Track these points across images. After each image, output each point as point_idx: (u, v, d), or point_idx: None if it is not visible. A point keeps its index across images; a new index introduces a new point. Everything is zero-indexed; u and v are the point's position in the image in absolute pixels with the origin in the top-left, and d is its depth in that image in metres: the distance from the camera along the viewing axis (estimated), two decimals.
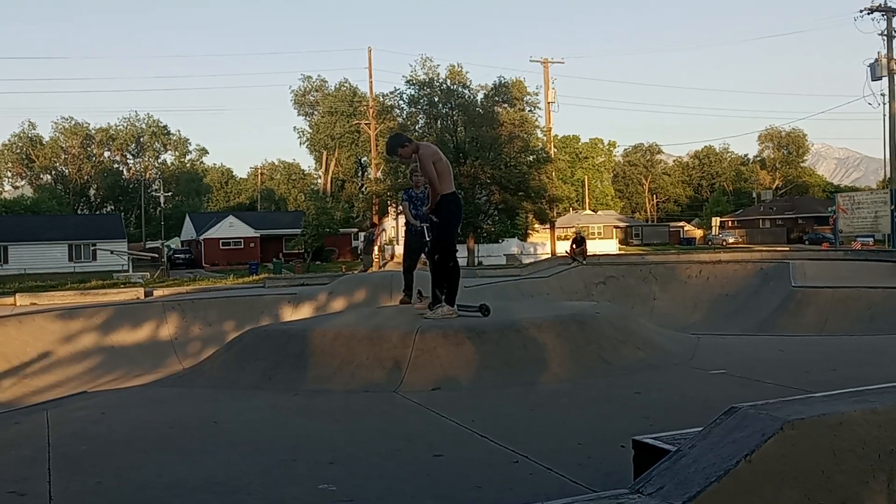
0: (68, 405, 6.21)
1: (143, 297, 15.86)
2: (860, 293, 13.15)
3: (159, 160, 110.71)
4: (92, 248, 62.81)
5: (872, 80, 35.91)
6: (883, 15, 35.44)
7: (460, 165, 46.10)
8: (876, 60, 35.69)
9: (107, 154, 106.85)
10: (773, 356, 7.42)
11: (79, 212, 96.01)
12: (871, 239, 41.41)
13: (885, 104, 35.96)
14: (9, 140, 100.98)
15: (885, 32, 35.43)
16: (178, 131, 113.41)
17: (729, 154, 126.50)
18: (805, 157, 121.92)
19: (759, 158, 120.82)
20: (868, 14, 35.58)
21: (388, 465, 4.04)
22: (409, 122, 47.39)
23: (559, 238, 54.42)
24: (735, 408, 2.60)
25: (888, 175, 37.77)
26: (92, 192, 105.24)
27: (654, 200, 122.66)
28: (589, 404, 5.47)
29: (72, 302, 15.10)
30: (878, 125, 36.43)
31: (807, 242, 70.31)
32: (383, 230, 23.81)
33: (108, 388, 9.74)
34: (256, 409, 5.71)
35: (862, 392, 2.83)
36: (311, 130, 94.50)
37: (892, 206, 33.47)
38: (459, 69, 50.57)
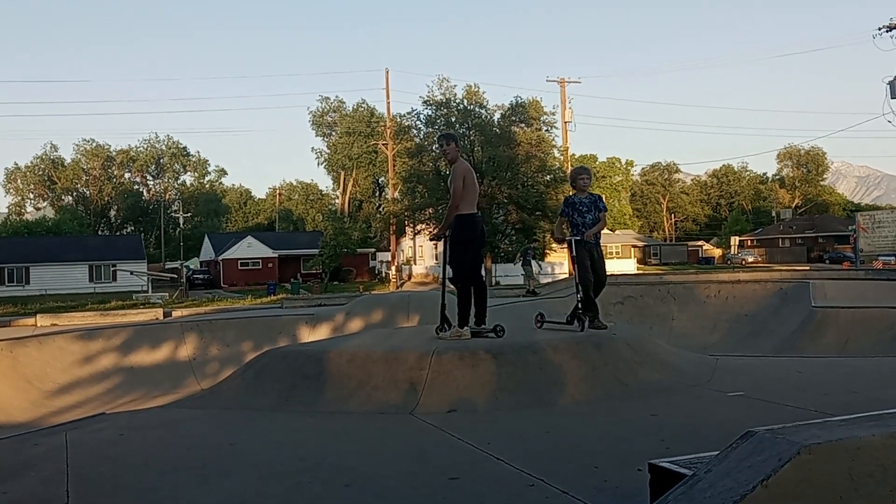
0: (87, 427, 6.25)
1: (161, 318, 15.96)
2: (882, 313, 12.98)
3: (179, 181, 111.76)
4: (112, 268, 63.35)
5: (892, 98, 35.69)
6: None
7: (477, 185, 46.11)
8: (895, 78, 35.51)
9: (127, 175, 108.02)
10: (792, 378, 7.35)
11: (99, 233, 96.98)
12: (893, 258, 41.00)
13: None
14: (31, 162, 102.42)
15: None
16: (198, 152, 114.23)
17: (748, 173, 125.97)
18: (825, 176, 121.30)
19: (778, 177, 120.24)
20: (887, 32, 35.49)
21: (403, 488, 4.04)
22: (426, 143, 47.62)
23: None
24: (752, 432, 2.59)
25: None
26: (112, 213, 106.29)
27: (673, 219, 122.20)
28: (606, 427, 5.44)
29: (92, 323, 15.22)
30: None
31: (827, 262, 69.68)
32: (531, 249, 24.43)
33: (127, 408, 9.79)
34: (273, 431, 5.73)
35: (881, 416, 2.80)
36: (328, 151, 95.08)
37: None
38: (476, 89, 50.85)
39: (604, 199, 8.43)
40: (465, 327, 7.45)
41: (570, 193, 8.47)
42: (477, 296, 7.67)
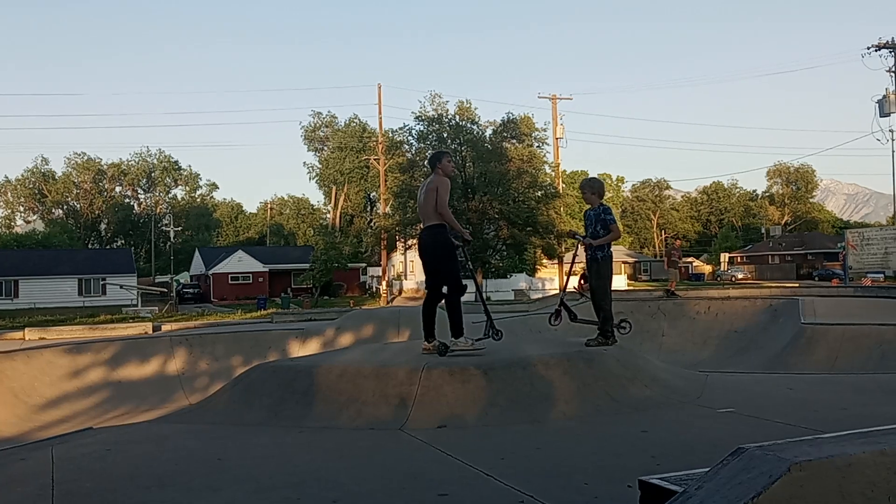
0: (74, 441, 6.19)
1: (151, 332, 15.89)
2: (871, 330, 13.03)
3: (170, 195, 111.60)
4: (102, 282, 63.10)
5: (881, 117, 36.01)
6: (890, 52, 35.66)
7: (469, 201, 46.27)
8: (884, 97, 35.80)
9: (118, 189, 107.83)
10: (782, 395, 7.36)
11: (89, 246, 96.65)
12: (882, 275, 41.20)
13: (893, 140, 36.02)
14: (22, 175, 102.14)
15: (893, 69, 35.59)
16: (189, 166, 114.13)
17: (737, 189, 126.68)
18: (814, 193, 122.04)
19: (767, 194, 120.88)
20: (876, 51, 35.81)
21: None
22: (418, 158, 47.71)
23: (568, 273, 54.28)
24: (742, 448, 2.58)
25: None
26: (103, 226, 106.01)
27: (663, 236, 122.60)
28: (596, 443, 5.42)
29: (80, 336, 15.13)
30: (888, 161, 36.31)
31: (816, 278, 69.99)
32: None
33: (115, 423, 9.72)
34: (262, 446, 5.69)
35: (871, 433, 2.80)
36: (320, 166, 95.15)
37: None
38: (468, 105, 51.02)
39: (611, 211, 8.32)
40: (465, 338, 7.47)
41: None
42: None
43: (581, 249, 8.35)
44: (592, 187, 8.36)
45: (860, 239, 35.30)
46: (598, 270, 8.14)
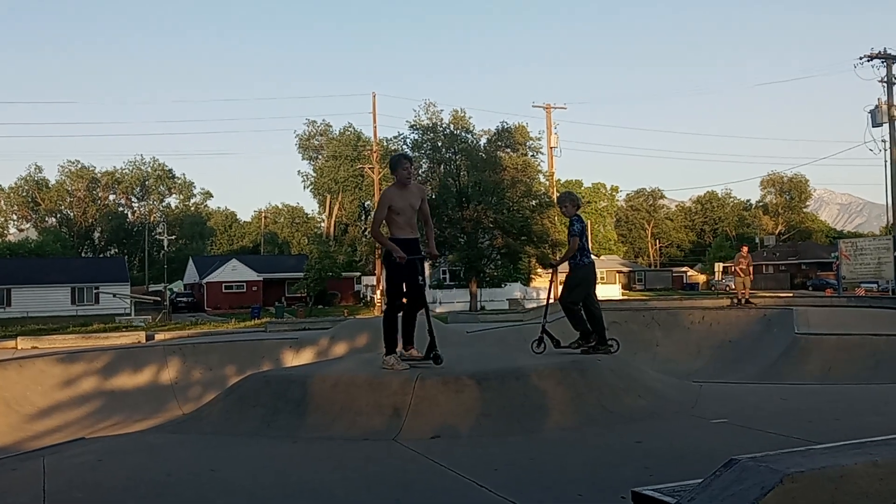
0: (65, 452, 6.16)
1: (144, 341, 15.84)
2: (864, 340, 13.06)
3: (164, 203, 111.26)
4: (95, 291, 62.84)
5: (873, 127, 36.07)
6: (883, 62, 35.79)
7: (463, 210, 46.31)
8: (876, 107, 35.91)
9: (112, 197, 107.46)
10: (776, 405, 7.36)
11: (83, 255, 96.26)
12: (875, 285, 41.30)
13: (886, 150, 36.10)
14: (15, 183, 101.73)
15: (886, 79, 35.74)
16: (183, 175, 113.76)
17: (731, 199, 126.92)
18: (807, 203, 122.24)
19: (761, 204, 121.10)
20: (868, 61, 35.93)
21: None
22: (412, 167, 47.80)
23: (562, 283, 54.29)
24: (735, 459, 2.58)
25: (891, 221, 37.77)
26: (96, 234, 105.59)
27: (657, 245, 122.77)
28: (590, 453, 5.42)
29: (73, 346, 15.08)
30: (881, 171, 36.40)
31: (810, 288, 70.13)
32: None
33: (108, 433, 9.67)
34: (255, 457, 5.67)
35: (863, 444, 2.80)
36: (315, 174, 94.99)
37: (895, 253, 33.44)
38: (462, 114, 51.11)
39: (576, 223, 8.52)
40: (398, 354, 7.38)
41: None
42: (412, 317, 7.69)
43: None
44: (562, 201, 8.80)
45: (853, 249, 35.43)
46: (567, 278, 8.70)
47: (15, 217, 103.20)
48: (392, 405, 6.37)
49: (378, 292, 53.84)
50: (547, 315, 9.03)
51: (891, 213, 37.44)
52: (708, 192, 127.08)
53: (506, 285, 53.43)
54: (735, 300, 21.40)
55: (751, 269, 22.24)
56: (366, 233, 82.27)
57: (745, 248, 23.60)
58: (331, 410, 6.54)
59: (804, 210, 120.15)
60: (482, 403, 6.37)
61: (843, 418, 6.28)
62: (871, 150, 36.94)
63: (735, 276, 22.76)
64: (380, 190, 52.59)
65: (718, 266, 72.63)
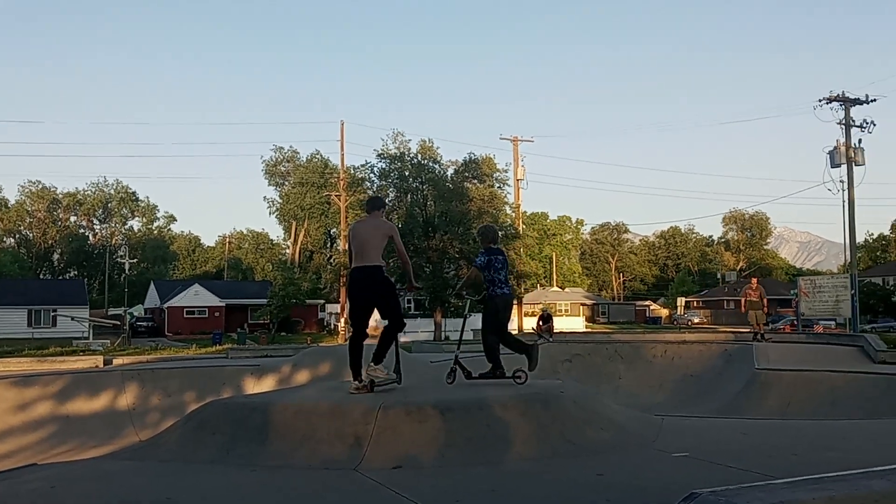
0: (17, 478, 6.01)
1: (101, 366, 15.56)
2: (822, 377, 13.28)
3: (126, 226, 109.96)
4: (52, 313, 61.64)
5: (832, 167, 36.84)
6: (841, 105, 36.67)
7: (429, 239, 46.37)
8: (835, 148, 36.73)
9: (73, 219, 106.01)
10: (736, 439, 7.42)
11: (41, 276, 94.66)
12: (833, 322, 41.96)
13: (843, 191, 36.90)
14: None
15: (844, 121, 36.61)
16: (147, 198, 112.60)
17: (694, 235, 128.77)
18: (768, 240, 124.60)
19: (723, 240, 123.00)
20: (827, 103, 36.79)
21: None
22: (379, 195, 47.87)
23: (527, 314, 54.50)
24: (696, 493, 2.60)
25: (849, 260, 38.52)
26: (56, 256, 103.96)
27: (621, 279, 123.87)
28: (552, 485, 5.41)
29: (28, 369, 14.76)
30: (839, 210, 37.20)
31: (770, 324, 71.03)
32: None
33: (61, 459, 9.46)
34: (213, 486, 5.57)
35: (821, 479, 2.84)
36: (281, 200, 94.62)
37: (853, 291, 34.05)
38: (430, 144, 51.42)
39: (480, 256, 9.46)
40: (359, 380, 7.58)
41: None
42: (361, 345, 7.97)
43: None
44: (477, 233, 9.40)
45: (812, 286, 35.97)
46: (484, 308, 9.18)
47: None
48: (354, 434, 6.31)
49: (342, 320, 53.56)
50: (460, 346, 9.40)
51: (849, 252, 38.20)
52: (671, 227, 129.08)
53: (471, 315, 53.37)
54: (756, 335, 20.67)
55: (765, 301, 21.60)
56: (331, 260, 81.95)
57: (755, 281, 22.92)
58: (292, 439, 6.46)
59: (765, 247, 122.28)
60: (445, 434, 6.34)
61: (801, 453, 6.35)
62: (829, 189, 37.72)
63: (748, 310, 21.91)
64: (346, 218, 52.63)
65: (681, 300, 73.32)
